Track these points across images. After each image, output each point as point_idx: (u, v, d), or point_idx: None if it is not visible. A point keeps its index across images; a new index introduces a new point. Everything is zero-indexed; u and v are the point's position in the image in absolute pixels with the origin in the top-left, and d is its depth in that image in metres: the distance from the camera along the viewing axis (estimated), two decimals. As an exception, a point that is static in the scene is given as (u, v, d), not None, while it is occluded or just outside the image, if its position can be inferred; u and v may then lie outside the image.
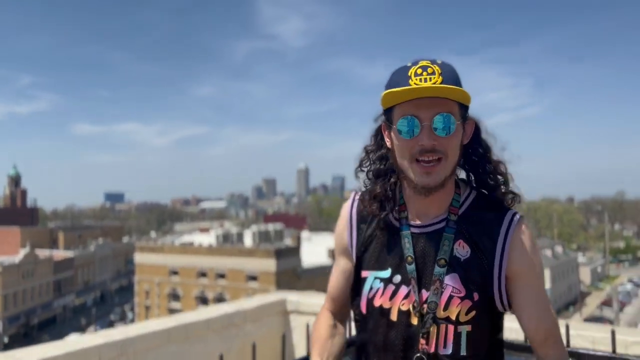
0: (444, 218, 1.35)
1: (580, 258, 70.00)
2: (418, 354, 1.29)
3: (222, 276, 40.29)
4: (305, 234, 56.90)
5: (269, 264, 37.04)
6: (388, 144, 1.35)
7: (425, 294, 1.31)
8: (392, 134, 1.31)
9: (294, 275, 37.35)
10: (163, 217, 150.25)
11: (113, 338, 3.25)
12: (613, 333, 1.87)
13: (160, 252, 44.49)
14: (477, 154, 1.40)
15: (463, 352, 1.28)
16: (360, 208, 1.46)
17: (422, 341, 1.28)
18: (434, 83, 1.21)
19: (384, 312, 1.34)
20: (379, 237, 1.41)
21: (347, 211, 1.50)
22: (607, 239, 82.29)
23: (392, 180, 1.40)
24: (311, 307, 4.39)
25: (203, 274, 41.48)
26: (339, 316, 1.54)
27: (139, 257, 46.36)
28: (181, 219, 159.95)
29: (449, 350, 1.28)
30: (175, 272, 43.29)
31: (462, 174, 1.44)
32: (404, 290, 1.33)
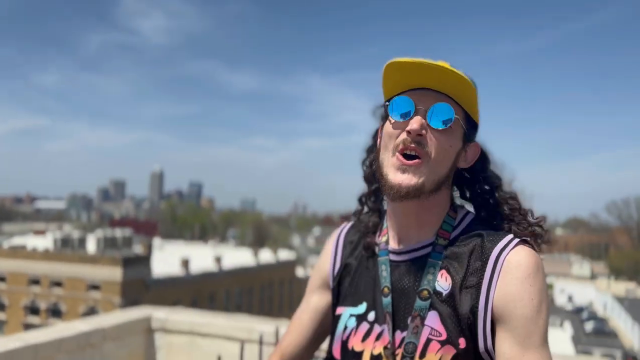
0: (431, 242, 1.13)
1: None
2: None
3: (58, 284, 36.81)
4: (157, 242, 54.36)
5: (115, 273, 34.62)
6: (379, 143, 1.17)
7: (401, 333, 1.10)
8: (384, 127, 1.13)
9: (142, 285, 35.33)
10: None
11: None
12: None
13: (-17, 255, 39.41)
14: (481, 187, 1.20)
15: None
16: (351, 235, 1.29)
17: None
18: (443, 65, 1.04)
19: (356, 356, 1.14)
20: (358, 266, 1.23)
21: (334, 238, 1.32)
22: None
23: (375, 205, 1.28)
24: (179, 325, 4.04)
25: (35, 282, 37.54)
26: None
27: (-43, 261, 40.61)
28: (11, 218, 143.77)
29: None
30: (1, 279, 38.62)
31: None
32: (377, 329, 1.14)
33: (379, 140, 1.17)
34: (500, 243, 1.07)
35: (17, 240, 49.18)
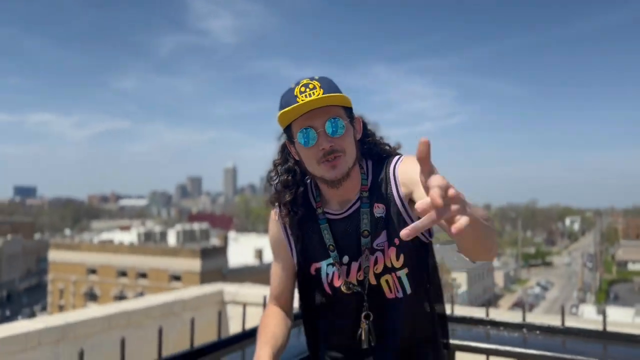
0: (358, 197, 1.57)
1: (495, 262, 73.95)
2: (365, 312, 1.56)
3: (143, 276, 39.12)
4: (232, 235, 56.28)
5: (194, 264, 36.38)
6: (296, 157, 1.56)
7: (355, 267, 1.56)
8: (295, 147, 1.53)
9: (219, 275, 36.87)
10: (79, 214, 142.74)
11: (53, 323, 3.24)
12: (523, 307, 2.20)
13: (77, 250, 42.49)
14: (367, 141, 1.64)
15: (409, 291, 1.55)
16: (283, 214, 1.65)
17: (386, 291, 1.55)
18: (317, 95, 1.43)
19: (337, 290, 1.58)
20: (312, 231, 1.62)
21: (274, 217, 1.70)
22: (519, 245, 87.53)
23: (301, 188, 1.61)
24: (248, 297, 4.52)
25: (123, 274, 40.08)
26: (285, 308, 1.70)
27: (54, 255, 44.04)
28: (99, 216, 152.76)
29: (400, 294, 1.56)
30: (93, 271, 41.52)
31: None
32: (344, 270, 1.58)
33: (294, 155, 1.57)
34: (394, 159, 1.58)
35: (105, 236, 52.59)
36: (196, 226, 48.67)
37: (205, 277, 35.58)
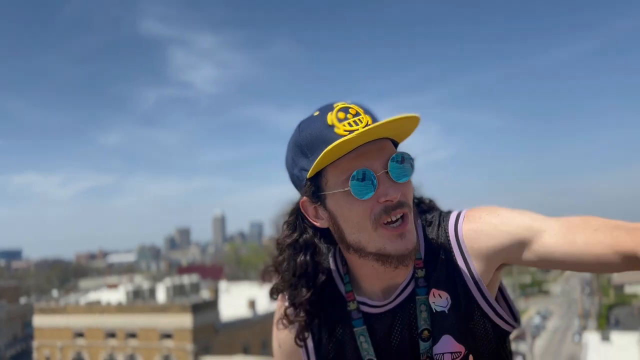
0: (411, 278, 1.04)
1: (491, 295, 73.09)
2: None
3: (133, 336, 37.67)
4: (223, 285, 55.06)
5: (185, 320, 35.14)
6: (319, 224, 1.02)
7: None
8: (329, 206, 0.99)
9: (212, 330, 35.64)
10: (66, 274, 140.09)
11: None
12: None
13: (62, 313, 40.94)
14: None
15: None
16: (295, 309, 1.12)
17: None
18: (367, 123, 0.95)
19: None
20: (334, 338, 1.09)
21: (279, 317, 1.15)
22: (514, 275, 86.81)
23: (323, 277, 1.07)
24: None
25: (112, 335, 38.58)
26: None
27: (38, 320, 42.39)
28: (87, 274, 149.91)
29: None
30: (80, 334, 39.92)
31: None
32: None
33: (314, 222, 1.04)
34: (450, 223, 1.06)
35: (92, 296, 51.05)
36: (186, 279, 47.43)
37: (198, 332, 34.41)
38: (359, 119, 0.94)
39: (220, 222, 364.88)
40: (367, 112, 0.97)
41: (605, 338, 37.92)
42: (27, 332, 66.12)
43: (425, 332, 1.01)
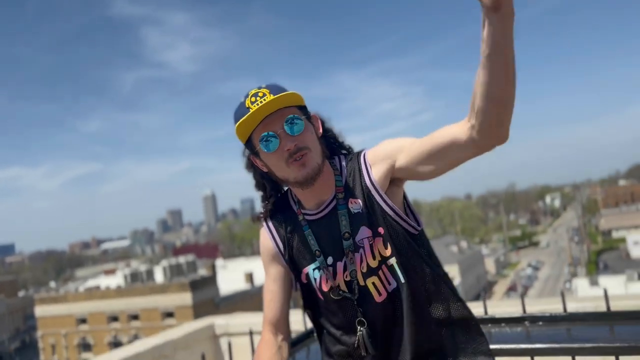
0: (333, 197, 1.53)
1: (484, 250, 74.63)
2: (358, 318, 1.50)
3: (135, 317, 38.36)
4: (219, 262, 55.70)
5: (185, 298, 35.82)
6: (264, 168, 1.53)
7: (341, 267, 1.50)
8: (261, 158, 1.49)
9: (212, 305, 36.35)
10: (62, 265, 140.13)
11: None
12: (522, 298, 2.11)
13: (63, 302, 41.50)
14: (328, 136, 1.62)
15: (402, 280, 1.46)
16: (273, 220, 1.63)
17: (374, 295, 1.48)
18: (267, 101, 1.39)
19: (332, 292, 1.53)
20: (298, 236, 1.58)
21: (264, 226, 1.66)
22: (505, 229, 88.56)
23: (273, 200, 1.62)
24: (240, 327, 4.37)
25: (114, 318, 39.26)
26: (281, 334, 1.61)
27: (40, 310, 42.93)
28: (82, 264, 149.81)
29: (394, 285, 1.48)
30: (83, 321, 40.57)
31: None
32: (325, 276, 1.53)
33: (261, 168, 1.54)
34: (360, 154, 1.55)
35: (90, 283, 51.56)
36: (182, 259, 47.96)
37: (198, 309, 35.08)
38: (263, 100, 1.40)
39: (211, 201, 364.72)
40: (271, 91, 1.42)
41: (594, 282, 39.22)
42: (28, 324, 66.72)
43: (346, 234, 1.48)
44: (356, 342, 1.49)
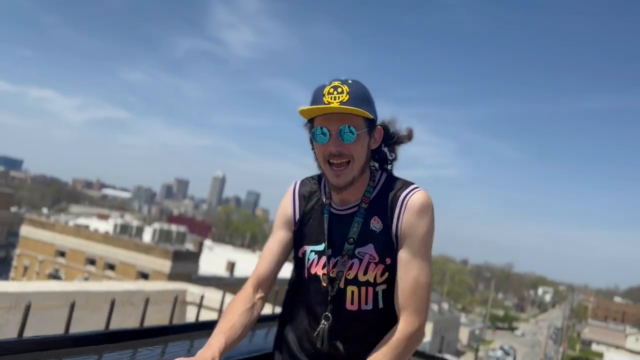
0: (358, 204, 1.67)
1: (463, 318, 73.70)
2: (326, 313, 1.65)
3: (111, 267, 38.52)
4: (207, 243, 55.72)
5: (164, 265, 35.91)
6: (313, 151, 1.68)
7: (338, 265, 1.65)
8: (312, 142, 1.64)
9: (188, 280, 36.33)
10: (60, 195, 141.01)
11: (6, 289, 3.21)
12: None
13: (50, 230, 41.80)
14: (381, 149, 1.74)
15: (380, 306, 1.64)
16: (302, 190, 1.79)
17: (347, 301, 1.64)
18: (341, 101, 1.51)
19: (317, 278, 1.68)
20: (314, 216, 1.73)
21: (291, 190, 1.81)
22: (489, 306, 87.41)
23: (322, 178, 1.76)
24: (211, 302, 4.50)
25: (92, 262, 39.44)
26: (261, 293, 1.72)
27: (26, 230, 43.29)
28: (79, 201, 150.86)
29: (370, 306, 1.64)
30: (62, 254, 40.81)
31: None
32: (324, 259, 1.68)
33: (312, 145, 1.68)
34: (408, 189, 1.65)
35: (81, 221, 51.90)
36: (174, 228, 48.13)
37: (174, 279, 35.05)
38: (338, 96, 1.51)
39: (220, 183, 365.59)
40: (350, 93, 1.52)
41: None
42: (10, 241, 67.11)
43: (351, 240, 1.62)
44: (316, 332, 1.65)
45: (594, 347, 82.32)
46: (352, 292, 1.63)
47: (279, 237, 1.77)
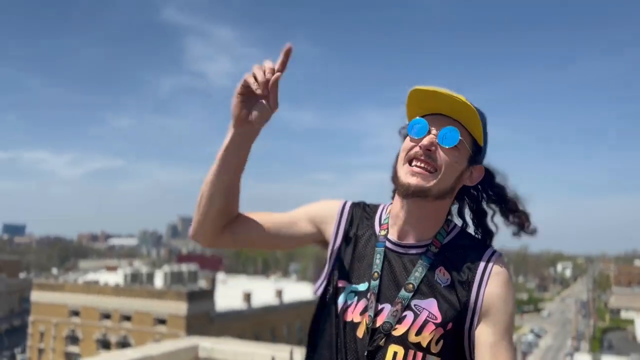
0: (426, 244, 1.35)
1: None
2: None
3: (127, 318, 38.06)
4: (220, 276, 55.33)
5: (180, 307, 35.46)
6: (401, 145, 1.39)
7: (385, 313, 1.30)
8: (404, 136, 1.37)
9: (207, 319, 35.92)
10: (67, 253, 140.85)
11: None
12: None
13: (60, 291, 41.43)
14: (490, 199, 1.44)
15: None
16: (353, 210, 1.48)
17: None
18: (457, 97, 1.25)
19: (353, 326, 1.33)
20: (361, 247, 1.41)
21: (340, 204, 1.50)
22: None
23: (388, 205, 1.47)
24: (225, 355, 4.18)
25: (107, 316, 38.99)
26: (236, 220, 1.44)
27: (36, 295, 42.91)
28: (87, 255, 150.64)
29: None
30: (76, 313, 40.37)
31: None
32: (364, 303, 1.33)
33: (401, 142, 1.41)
34: (488, 252, 1.34)
35: (90, 277, 51.54)
36: (184, 267, 47.82)
37: (192, 321, 34.70)
38: (457, 96, 1.26)
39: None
40: (472, 105, 1.27)
41: (597, 360, 37.97)
42: (24, 307, 66.69)
43: (410, 286, 1.29)
44: None
45: (623, 314, 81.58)
46: (395, 353, 1.26)
47: (296, 216, 1.48)
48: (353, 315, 1.33)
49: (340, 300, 1.36)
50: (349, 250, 1.42)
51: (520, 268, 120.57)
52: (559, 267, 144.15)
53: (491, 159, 1.43)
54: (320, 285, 1.44)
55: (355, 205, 1.50)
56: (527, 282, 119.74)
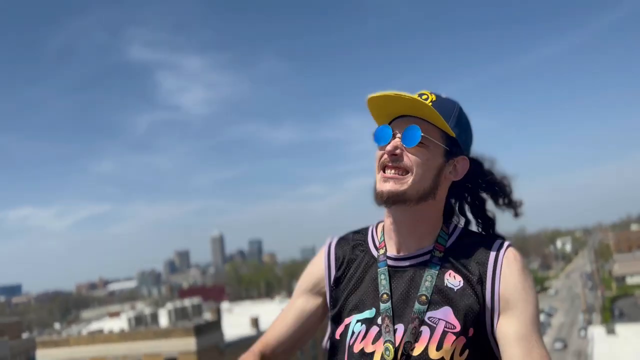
0: (429, 251, 1.28)
1: (494, 295, 73.17)
2: None
3: (138, 362, 37.50)
4: (225, 305, 54.87)
5: (189, 343, 34.99)
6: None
7: (399, 334, 1.21)
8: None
9: (217, 351, 35.50)
10: (67, 306, 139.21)
11: None
12: None
13: (65, 345, 40.69)
14: (481, 187, 1.37)
15: None
16: (339, 249, 1.42)
17: None
18: (422, 100, 1.23)
19: (368, 357, 1.24)
20: (358, 276, 1.34)
21: (325, 250, 1.44)
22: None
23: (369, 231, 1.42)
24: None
25: (116, 363, 38.38)
26: (266, 359, 1.39)
27: (41, 354, 42.13)
28: (88, 305, 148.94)
29: None
30: (84, 366, 39.68)
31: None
32: (375, 330, 1.25)
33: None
34: (495, 244, 1.28)
35: (94, 326, 50.89)
36: (187, 302, 47.31)
37: (202, 355, 34.30)
38: (421, 98, 1.22)
39: (219, 243, 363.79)
40: (437, 102, 1.24)
41: (611, 331, 37.97)
42: (30, 368, 65.58)
43: (423, 298, 1.21)
44: None
45: (629, 280, 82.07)
46: None
47: (297, 303, 1.42)
48: (363, 344, 1.24)
49: (348, 335, 1.28)
50: (343, 288, 1.35)
51: (520, 250, 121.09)
52: (559, 243, 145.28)
53: (479, 147, 1.39)
54: (328, 338, 1.38)
55: (340, 240, 1.43)
56: (530, 263, 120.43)
